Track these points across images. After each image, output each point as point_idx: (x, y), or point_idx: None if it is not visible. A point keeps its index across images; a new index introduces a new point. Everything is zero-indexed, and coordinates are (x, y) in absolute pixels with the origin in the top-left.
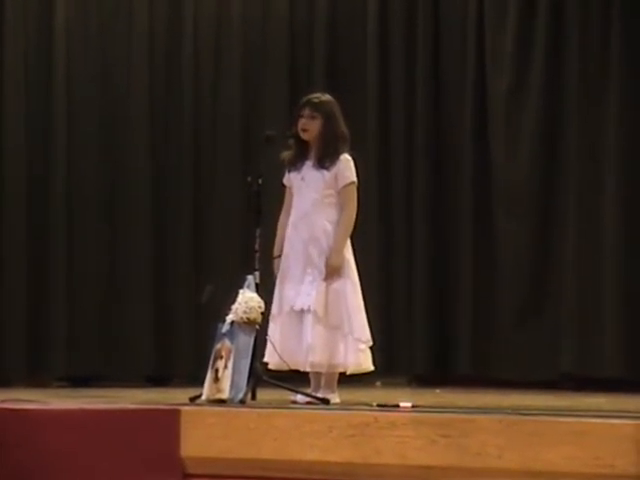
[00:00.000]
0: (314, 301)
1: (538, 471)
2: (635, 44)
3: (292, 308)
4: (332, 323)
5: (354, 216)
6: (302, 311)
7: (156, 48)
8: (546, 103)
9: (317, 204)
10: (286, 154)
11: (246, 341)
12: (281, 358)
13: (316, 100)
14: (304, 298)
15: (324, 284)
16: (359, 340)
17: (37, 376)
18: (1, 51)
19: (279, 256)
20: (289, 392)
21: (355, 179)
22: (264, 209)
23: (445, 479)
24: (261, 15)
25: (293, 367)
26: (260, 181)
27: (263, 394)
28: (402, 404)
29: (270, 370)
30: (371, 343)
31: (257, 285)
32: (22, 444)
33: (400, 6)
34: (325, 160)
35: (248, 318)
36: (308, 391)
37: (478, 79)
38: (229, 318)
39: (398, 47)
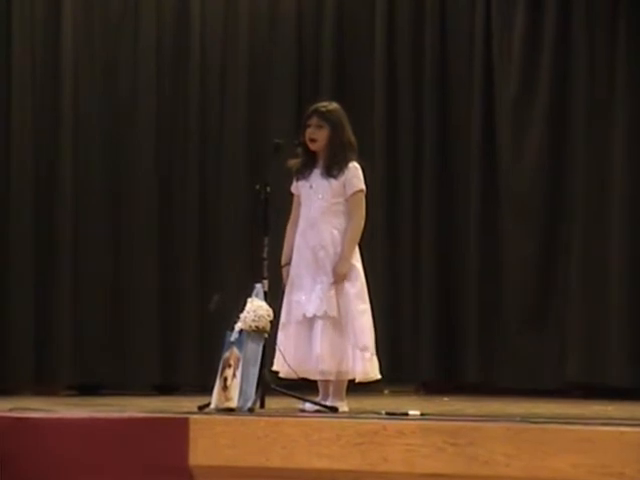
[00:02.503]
0: (325, 307)
1: (546, 479)
2: None
3: (304, 315)
4: (341, 330)
5: (362, 224)
6: (313, 318)
7: (163, 57)
8: (554, 109)
9: (325, 212)
10: (293, 162)
11: (255, 349)
12: (290, 367)
13: (323, 109)
14: (316, 305)
15: (333, 291)
16: (364, 348)
17: (45, 385)
18: (9, 51)
19: (287, 264)
20: (297, 400)
21: (363, 187)
22: (272, 217)
23: None
24: (268, 22)
25: (302, 376)
26: (268, 189)
27: (272, 402)
28: (410, 412)
29: (279, 378)
30: (374, 352)
31: (266, 293)
32: (30, 453)
33: (407, 13)
34: (333, 168)
35: (257, 326)
36: (317, 399)
37: (486, 87)
38: (238, 326)
39: (405, 54)
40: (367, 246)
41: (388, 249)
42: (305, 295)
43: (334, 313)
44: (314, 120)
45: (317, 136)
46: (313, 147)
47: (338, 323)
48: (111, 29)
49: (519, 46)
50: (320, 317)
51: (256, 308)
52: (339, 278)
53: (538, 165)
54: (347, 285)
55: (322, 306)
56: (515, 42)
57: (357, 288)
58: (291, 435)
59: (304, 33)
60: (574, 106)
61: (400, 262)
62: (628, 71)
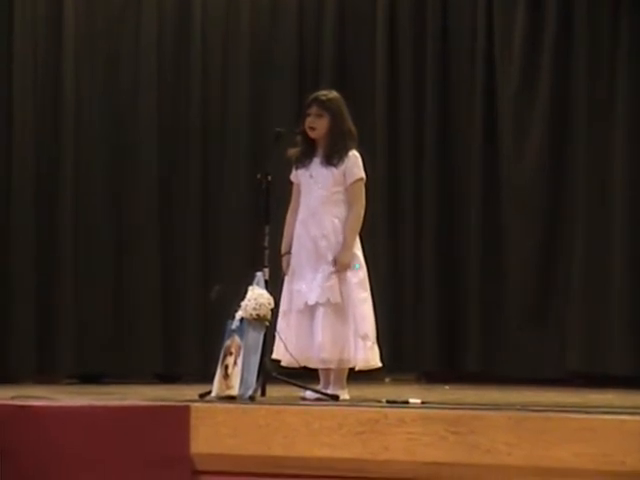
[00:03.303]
0: (328, 294)
1: (547, 468)
2: None
3: (305, 304)
4: (343, 318)
5: (362, 212)
6: (315, 306)
7: (164, 49)
8: (554, 109)
9: (326, 201)
10: (293, 151)
11: (256, 338)
12: (292, 356)
13: (323, 98)
14: (317, 293)
15: (335, 279)
16: (365, 336)
17: (46, 373)
18: (10, 47)
19: (288, 253)
20: (299, 389)
21: (363, 175)
22: (273, 206)
23: (454, 476)
24: (270, 14)
25: (304, 364)
26: (269, 178)
27: (273, 391)
28: (411, 400)
29: (280, 366)
30: (375, 340)
31: (266, 282)
32: (31, 441)
33: (409, 9)
34: (333, 157)
35: (258, 315)
36: (318, 387)
37: (487, 82)
38: (238, 315)
39: (407, 49)
40: (369, 240)
41: (390, 243)
42: (306, 284)
43: (337, 300)
44: (314, 109)
45: (317, 125)
46: (313, 135)
47: (340, 311)
48: (113, 24)
49: (520, 45)
50: (322, 304)
51: (257, 296)
52: (342, 267)
53: (539, 164)
54: (349, 274)
55: (324, 294)
56: (516, 41)
57: (359, 277)
58: (292, 424)
59: (305, 28)
60: (575, 106)
61: (402, 255)
62: (629, 70)
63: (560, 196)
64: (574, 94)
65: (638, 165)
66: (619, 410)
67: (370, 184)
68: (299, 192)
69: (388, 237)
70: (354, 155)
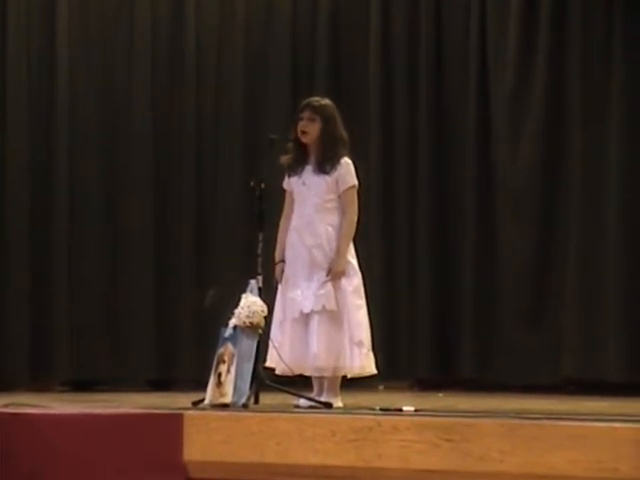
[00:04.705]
0: (323, 301)
1: (540, 475)
2: (638, 46)
3: (301, 312)
4: (337, 325)
5: (355, 219)
6: (310, 314)
7: (158, 53)
8: (548, 106)
9: (319, 209)
10: (285, 158)
11: (249, 345)
12: (286, 365)
13: (316, 103)
14: (312, 301)
15: (330, 286)
16: (360, 343)
17: (40, 380)
18: (4, 47)
19: (281, 261)
20: (292, 396)
21: (356, 182)
22: (266, 213)
23: None
24: (264, 18)
25: (298, 372)
26: (262, 185)
27: (266, 398)
28: (405, 408)
29: (274, 374)
30: (370, 347)
31: (260, 289)
32: (25, 448)
33: (402, 11)
34: (326, 164)
35: (251, 322)
36: (311, 395)
37: (480, 83)
38: (232, 322)
39: (400, 52)
40: (363, 243)
41: (384, 246)
42: (302, 292)
43: (333, 307)
44: (306, 113)
45: (309, 129)
46: (305, 140)
47: (335, 318)
48: (106, 27)
49: (513, 48)
50: (317, 312)
51: (250, 304)
52: (336, 275)
53: (533, 167)
54: (344, 282)
55: (319, 301)
56: (510, 44)
57: (354, 285)
58: (285, 431)
59: (299, 31)
60: (569, 108)
61: (396, 259)
62: (624, 73)
63: (555, 199)
64: (568, 96)
65: (633, 168)
66: (612, 417)
67: (364, 186)
68: (292, 200)
69: (382, 239)
70: (346, 162)
